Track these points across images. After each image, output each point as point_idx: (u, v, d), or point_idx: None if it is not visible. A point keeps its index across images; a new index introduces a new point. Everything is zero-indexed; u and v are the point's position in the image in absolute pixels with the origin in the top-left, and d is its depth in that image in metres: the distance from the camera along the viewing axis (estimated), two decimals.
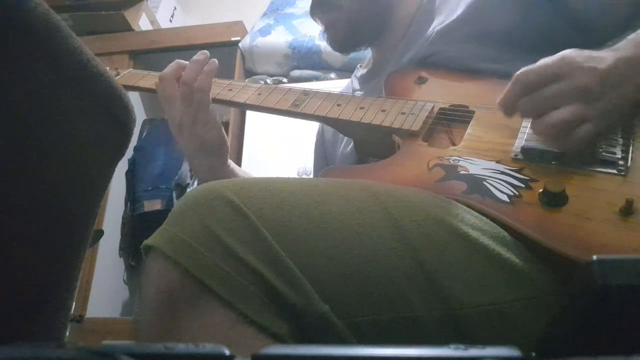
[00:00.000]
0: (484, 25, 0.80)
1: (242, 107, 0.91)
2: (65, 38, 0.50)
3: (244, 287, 0.46)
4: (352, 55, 2.00)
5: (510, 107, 0.64)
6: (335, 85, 1.92)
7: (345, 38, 0.92)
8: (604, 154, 0.60)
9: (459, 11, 0.83)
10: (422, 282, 0.50)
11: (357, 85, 1.00)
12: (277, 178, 0.56)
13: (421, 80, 0.82)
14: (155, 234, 0.50)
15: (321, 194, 0.54)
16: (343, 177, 0.70)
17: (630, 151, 0.61)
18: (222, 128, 0.87)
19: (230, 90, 0.87)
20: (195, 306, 0.46)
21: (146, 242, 0.49)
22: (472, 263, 0.51)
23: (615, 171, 0.59)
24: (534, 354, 0.26)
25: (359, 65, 1.06)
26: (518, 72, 0.62)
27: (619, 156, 0.60)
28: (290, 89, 0.85)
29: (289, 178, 0.58)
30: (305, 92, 0.83)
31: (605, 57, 0.60)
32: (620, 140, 0.62)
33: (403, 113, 0.74)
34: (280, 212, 0.50)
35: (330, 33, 0.93)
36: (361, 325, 0.48)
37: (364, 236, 0.50)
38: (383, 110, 0.76)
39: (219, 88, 0.88)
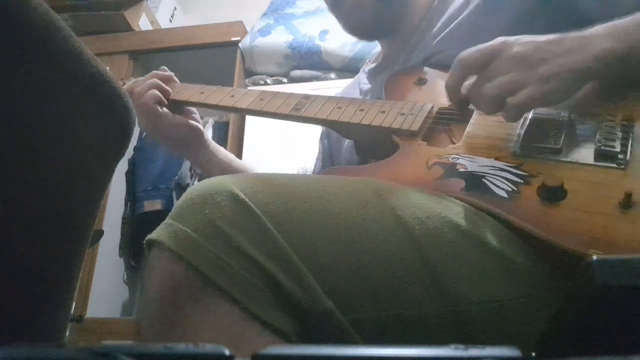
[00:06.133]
0: (487, 25, 0.80)
1: (245, 113, 0.93)
2: (65, 38, 0.50)
3: (249, 281, 0.46)
4: (353, 55, 2.03)
5: (453, 91, 0.67)
6: (336, 85, 1.92)
7: (371, 20, 0.90)
8: (602, 147, 0.60)
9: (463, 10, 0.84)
10: (426, 279, 0.50)
11: (364, 80, 1.01)
12: (282, 174, 0.56)
13: (421, 82, 0.83)
14: (158, 228, 0.49)
15: (325, 189, 0.54)
16: (345, 176, 0.70)
17: (630, 145, 0.61)
18: (187, 121, 0.96)
19: (232, 96, 0.89)
20: (199, 301, 0.45)
21: (150, 236, 0.49)
22: (475, 260, 0.51)
23: (614, 165, 0.59)
24: (533, 354, 0.26)
25: (367, 60, 1.07)
26: (458, 55, 0.65)
27: (618, 150, 0.60)
28: (291, 93, 0.86)
29: (293, 174, 0.58)
30: (306, 97, 0.84)
31: (550, 35, 0.62)
32: (620, 134, 0.62)
33: (402, 114, 0.75)
34: (285, 207, 0.50)
35: (356, 16, 0.91)
36: (365, 321, 0.48)
37: (369, 232, 0.50)
38: (382, 112, 0.77)
39: (222, 94, 0.89)
